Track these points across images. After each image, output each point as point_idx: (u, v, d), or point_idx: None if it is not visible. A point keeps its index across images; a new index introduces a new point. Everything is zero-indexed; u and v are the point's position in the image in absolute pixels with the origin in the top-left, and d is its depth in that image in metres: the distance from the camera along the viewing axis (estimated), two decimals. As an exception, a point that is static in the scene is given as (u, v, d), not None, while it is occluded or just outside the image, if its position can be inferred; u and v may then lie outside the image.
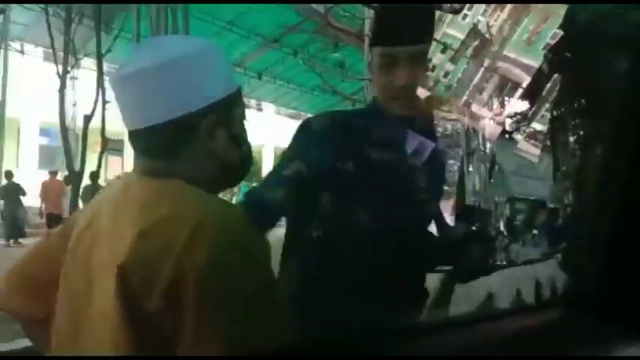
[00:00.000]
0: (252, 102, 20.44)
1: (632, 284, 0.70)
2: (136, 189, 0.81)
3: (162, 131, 0.80)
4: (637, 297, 0.70)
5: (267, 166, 22.83)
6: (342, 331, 0.58)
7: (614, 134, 0.77)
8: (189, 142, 0.82)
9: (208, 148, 0.84)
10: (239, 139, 0.92)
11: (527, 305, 0.85)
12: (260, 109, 22.37)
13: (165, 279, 0.68)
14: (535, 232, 4.15)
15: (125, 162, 14.26)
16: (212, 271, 0.69)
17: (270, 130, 22.31)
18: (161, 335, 0.69)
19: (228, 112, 0.89)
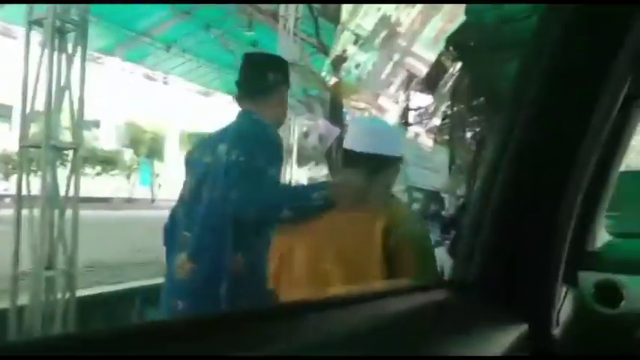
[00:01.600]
0: (159, 75, 19.54)
1: (512, 270, 0.77)
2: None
3: (376, 158, 1.58)
4: (514, 282, 0.76)
5: (170, 143, 22.03)
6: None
7: (500, 131, 0.83)
8: (383, 173, 1.62)
9: (389, 182, 1.68)
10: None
11: (416, 286, 0.90)
12: (166, 83, 21.43)
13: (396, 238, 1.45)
14: (429, 219, 4.41)
15: (12, 128, 13.13)
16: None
17: (175, 106, 21.48)
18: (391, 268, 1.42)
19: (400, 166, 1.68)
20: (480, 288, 0.76)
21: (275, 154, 1.84)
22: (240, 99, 1.96)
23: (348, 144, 1.62)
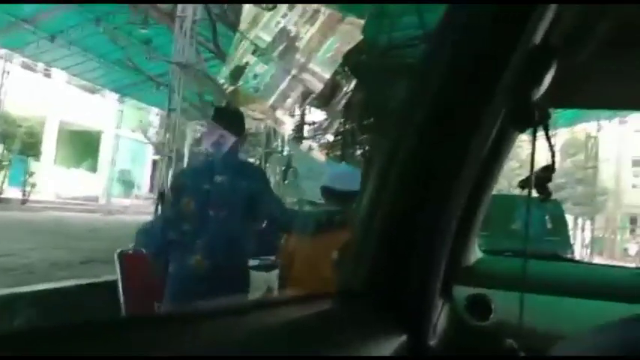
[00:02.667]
0: (40, 66, 18.04)
1: (395, 282, 0.80)
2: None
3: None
4: (397, 294, 0.80)
5: (48, 139, 20.35)
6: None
7: (387, 151, 0.87)
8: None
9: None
10: None
11: (304, 295, 0.91)
12: (48, 76, 19.82)
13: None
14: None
15: None
16: None
17: (57, 101, 19.90)
18: None
19: None
20: (364, 299, 0.79)
21: None
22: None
23: (328, 183, 2.71)
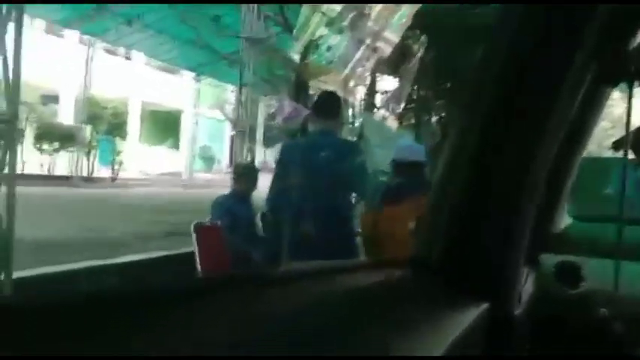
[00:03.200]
0: (121, 50, 18.92)
1: (474, 251, 0.78)
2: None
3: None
4: (476, 263, 0.78)
5: (133, 118, 21.46)
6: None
7: (464, 117, 0.83)
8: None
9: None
10: None
11: (381, 262, 0.91)
12: (129, 59, 20.77)
13: None
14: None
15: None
16: None
17: (138, 82, 20.85)
18: None
19: None
20: (442, 267, 0.77)
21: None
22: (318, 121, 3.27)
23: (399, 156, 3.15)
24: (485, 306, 0.73)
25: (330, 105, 3.32)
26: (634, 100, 0.78)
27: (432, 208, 0.86)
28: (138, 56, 20.03)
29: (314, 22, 8.30)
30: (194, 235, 3.77)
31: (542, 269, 1.01)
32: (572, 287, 0.98)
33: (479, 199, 0.77)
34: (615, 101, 1.01)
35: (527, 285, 0.92)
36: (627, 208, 0.83)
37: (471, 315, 0.70)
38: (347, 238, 3.14)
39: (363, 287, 0.71)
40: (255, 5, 8.96)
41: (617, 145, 0.69)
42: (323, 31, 8.49)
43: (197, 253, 3.70)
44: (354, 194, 3.31)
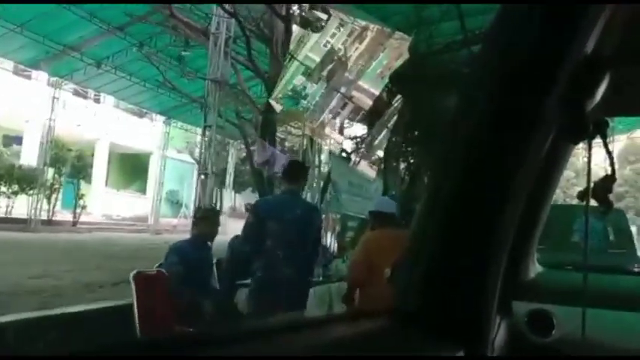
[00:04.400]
0: (90, 92, 18.81)
1: (450, 299, 0.79)
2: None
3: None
4: (452, 311, 0.78)
5: (99, 161, 21.13)
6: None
7: (436, 166, 0.86)
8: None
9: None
10: None
11: (358, 313, 0.91)
12: (98, 101, 20.65)
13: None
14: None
15: None
16: None
17: (107, 124, 20.64)
18: None
19: None
20: (419, 316, 0.78)
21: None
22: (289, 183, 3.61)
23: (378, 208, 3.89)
24: (460, 352, 0.74)
25: (298, 171, 3.80)
26: (594, 150, 0.82)
27: (408, 257, 0.87)
28: (108, 99, 19.94)
29: (291, 70, 8.50)
30: (133, 285, 3.53)
31: (514, 317, 1.02)
32: (544, 335, 0.99)
33: (452, 249, 0.79)
34: (578, 151, 1.06)
35: (500, 332, 0.93)
36: (594, 256, 0.85)
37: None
38: (305, 287, 3.55)
39: (340, 338, 0.71)
40: (222, 46, 9.05)
41: (582, 196, 0.72)
42: (300, 79, 8.70)
43: (135, 305, 3.45)
44: (313, 249, 3.64)
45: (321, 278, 3.79)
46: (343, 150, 9.91)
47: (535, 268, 1.12)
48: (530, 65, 0.73)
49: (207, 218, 4.16)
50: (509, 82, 0.74)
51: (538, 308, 1.02)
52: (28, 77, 17.90)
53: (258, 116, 10.35)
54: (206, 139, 8.95)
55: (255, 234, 3.36)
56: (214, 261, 4.10)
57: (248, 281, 3.46)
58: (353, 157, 9.51)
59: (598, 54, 0.76)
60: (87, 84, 16.51)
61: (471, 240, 0.78)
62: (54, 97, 16.06)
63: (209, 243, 4.04)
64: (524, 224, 0.89)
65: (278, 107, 8.08)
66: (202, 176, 8.85)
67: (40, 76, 16.96)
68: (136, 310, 3.43)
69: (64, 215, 17.26)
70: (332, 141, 9.26)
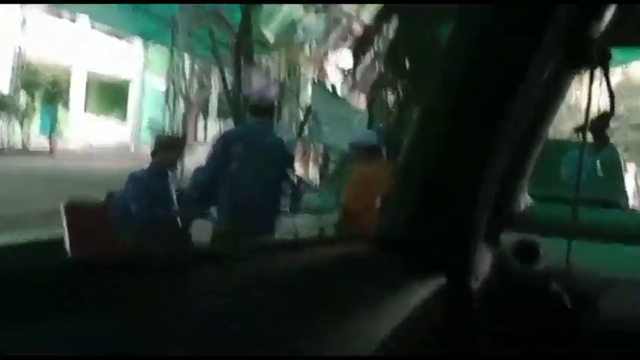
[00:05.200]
0: (65, 12, 17.85)
1: (436, 228, 0.79)
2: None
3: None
4: (438, 240, 0.79)
5: (77, 86, 20.43)
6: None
7: (429, 95, 0.84)
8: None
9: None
10: None
11: (344, 237, 0.93)
12: (73, 20, 19.65)
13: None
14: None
15: None
16: None
17: (82, 48, 19.76)
18: None
19: None
20: (404, 244, 0.79)
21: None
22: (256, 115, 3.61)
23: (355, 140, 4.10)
24: (443, 281, 0.76)
25: (266, 108, 3.84)
26: (585, 85, 0.81)
27: (396, 186, 0.87)
28: (84, 19, 18.99)
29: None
30: (64, 218, 3.22)
31: (502, 246, 1.04)
32: (530, 264, 1.02)
33: (442, 178, 0.79)
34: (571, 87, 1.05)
35: (486, 260, 0.95)
36: (584, 190, 0.86)
37: (430, 289, 0.71)
38: (272, 214, 3.55)
39: (326, 261, 0.72)
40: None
41: (579, 130, 0.73)
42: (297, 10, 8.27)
43: (67, 240, 3.15)
44: (281, 178, 3.65)
45: (288, 209, 3.80)
46: (327, 78, 9.70)
47: (526, 200, 1.14)
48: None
49: (170, 147, 3.82)
50: (508, 6, 0.71)
51: (524, 238, 1.04)
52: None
53: (233, 39, 9.93)
54: (176, 61, 8.39)
55: (217, 160, 3.39)
56: (174, 190, 3.76)
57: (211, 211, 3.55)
58: (339, 87, 9.33)
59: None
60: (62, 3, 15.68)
61: (462, 169, 0.78)
62: (23, 17, 15.27)
63: (169, 172, 3.76)
64: (517, 156, 0.89)
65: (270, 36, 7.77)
66: (169, 102, 8.37)
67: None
68: (67, 244, 3.12)
69: (42, 142, 16.85)
70: (315, 69, 9.04)
